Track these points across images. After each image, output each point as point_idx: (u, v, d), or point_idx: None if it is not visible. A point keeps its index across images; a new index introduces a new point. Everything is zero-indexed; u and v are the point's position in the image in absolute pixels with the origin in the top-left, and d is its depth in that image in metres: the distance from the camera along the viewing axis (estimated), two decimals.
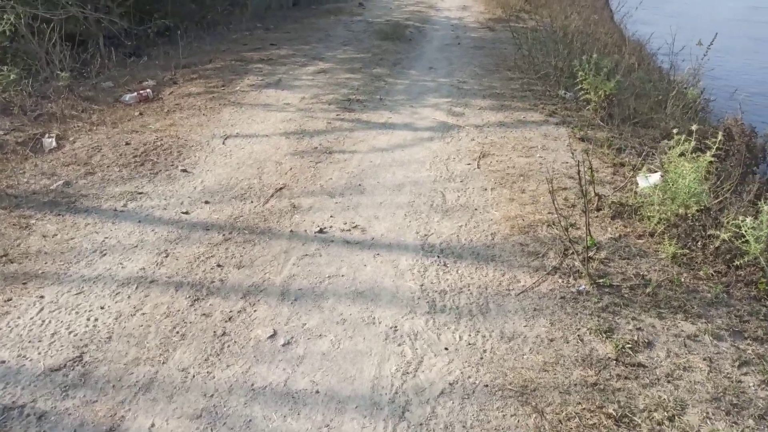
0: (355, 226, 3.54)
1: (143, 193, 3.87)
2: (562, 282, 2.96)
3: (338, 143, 4.79)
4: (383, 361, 2.45)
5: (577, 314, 2.71)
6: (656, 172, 3.81)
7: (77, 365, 2.38)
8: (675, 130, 3.76)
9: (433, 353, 2.49)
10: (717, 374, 2.36)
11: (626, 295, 2.84)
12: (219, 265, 3.11)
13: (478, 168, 4.38)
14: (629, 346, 2.49)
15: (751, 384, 2.33)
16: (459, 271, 3.09)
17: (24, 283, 2.90)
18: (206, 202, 3.78)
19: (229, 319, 2.70)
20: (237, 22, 9.13)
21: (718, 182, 4.13)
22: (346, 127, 5.16)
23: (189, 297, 2.85)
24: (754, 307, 2.82)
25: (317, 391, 2.29)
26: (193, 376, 2.35)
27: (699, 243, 3.20)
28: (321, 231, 3.48)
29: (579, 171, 3.04)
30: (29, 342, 2.50)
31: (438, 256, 3.24)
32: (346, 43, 8.45)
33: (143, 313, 2.71)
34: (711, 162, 3.54)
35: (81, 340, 2.53)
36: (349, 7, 11.52)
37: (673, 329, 2.62)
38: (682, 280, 2.96)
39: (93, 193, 3.84)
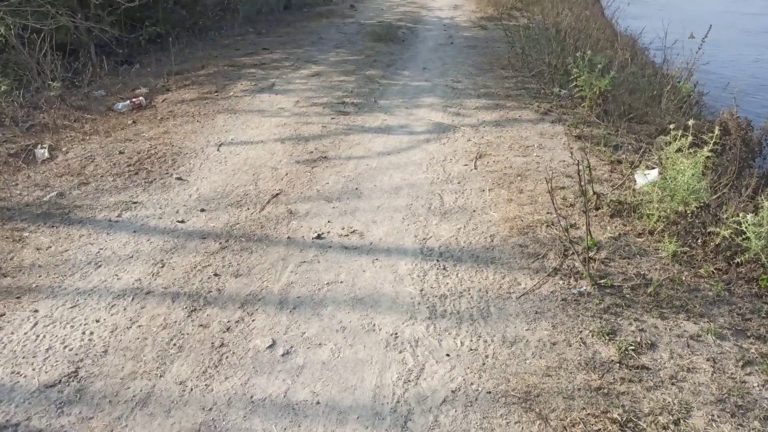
0: (353, 231, 3.50)
1: (138, 202, 3.83)
2: (563, 283, 2.93)
3: (334, 147, 4.76)
4: (384, 369, 2.42)
5: (578, 316, 2.68)
6: (654, 168, 3.78)
7: (72, 381, 2.34)
8: (672, 126, 3.74)
9: (434, 360, 2.46)
10: (721, 375, 2.34)
11: (628, 296, 2.81)
12: (216, 275, 3.08)
13: (475, 169, 4.36)
14: (632, 348, 2.46)
15: (756, 384, 2.30)
16: (459, 275, 3.06)
17: (18, 298, 2.86)
18: (202, 210, 3.74)
19: (227, 329, 2.66)
20: (229, 27, 9.09)
21: (716, 177, 4.11)
22: (341, 130, 5.13)
23: (186, 308, 2.81)
24: (755, 304, 2.80)
25: (318, 402, 2.25)
26: (191, 390, 2.31)
27: (699, 240, 3.18)
28: (319, 237, 3.45)
29: (579, 171, 3.01)
30: (23, 358, 2.46)
31: (437, 260, 3.21)
32: (338, 45, 8.42)
33: (139, 326, 2.68)
34: (708, 157, 3.52)
35: (76, 354, 2.49)
36: (341, 10, 11.47)
37: (676, 329, 2.59)
38: (683, 278, 2.94)
39: (87, 204, 3.80)
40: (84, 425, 2.14)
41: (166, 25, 7.81)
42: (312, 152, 4.64)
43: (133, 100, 5.60)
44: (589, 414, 2.13)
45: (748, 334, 2.58)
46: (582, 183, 3.09)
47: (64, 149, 4.60)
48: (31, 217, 3.61)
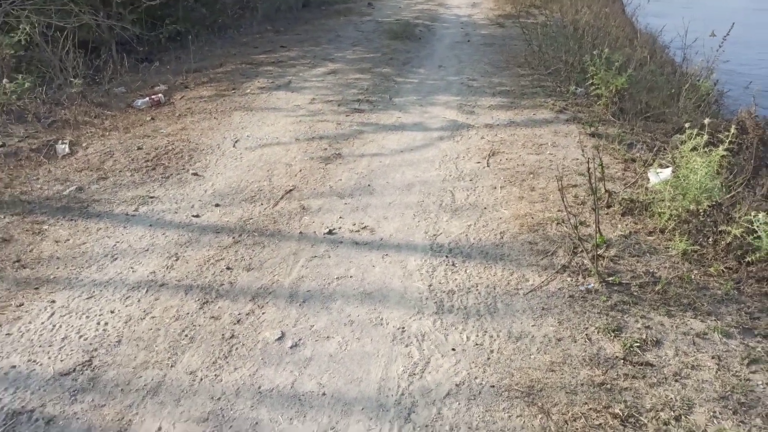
0: (364, 227, 3.54)
1: (154, 197, 3.92)
2: (571, 280, 2.94)
3: (348, 144, 4.80)
4: (390, 362, 2.46)
5: (585, 313, 2.69)
6: (668, 167, 3.76)
7: (86, 369, 2.42)
8: (687, 125, 3.71)
9: (440, 354, 2.49)
10: (725, 372, 2.33)
11: (635, 293, 2.81)
12: (228, 268, 3.14)
13: (488, 166, 4.37)
14: (637, 344, 2.46)
15: (760, 382, 2.29)
16: (467, 271, 3.09)
17: (36, 288, 2.95)
18: (216, 205, 3.81)
19: (238, 321, 2.72)
20: (247, 25, 9.19)
21: (731, 177, 4.07)
22: (355, 127, 5.17)
23: (198, 300, 2.88)
24: (765, 303, 2.78)
25: (324, 393, 2.30)
26: (201, 380, 2.37)
27: (710, 239, 3.16)
28: (330, 232, 3.50)
29: (588, 168, 3.01)
30: (40, 347, 2.55)
31: (446, 256, 3.23)
32: (355, 43, 8.46)
33: (153, 317, 2.75)
34: (723, 156, 3.49)
35: (91, 344, 2.57)
36: (359, 8, 11.52)
37: (682, 327, 2.59)
38: (693, 277, 2.93)
39: (105, 198, 3.90)
40: (96, 412, 2.21)
41: (186, 24, 7.93)
42: (326, 149, 4.69)
43: (152, 97, 5.71)
44: (590, 409, 2.14)
45: (756, 333, 2.57)
46: (591, 180, 3.08)
47: (84, 145, 4.71)
48: (51, 211, 3.71)
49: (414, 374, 2.38)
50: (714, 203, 3.24)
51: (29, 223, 3.55)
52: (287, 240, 3.42)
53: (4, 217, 3.60)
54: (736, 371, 2.36)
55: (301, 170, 4.31)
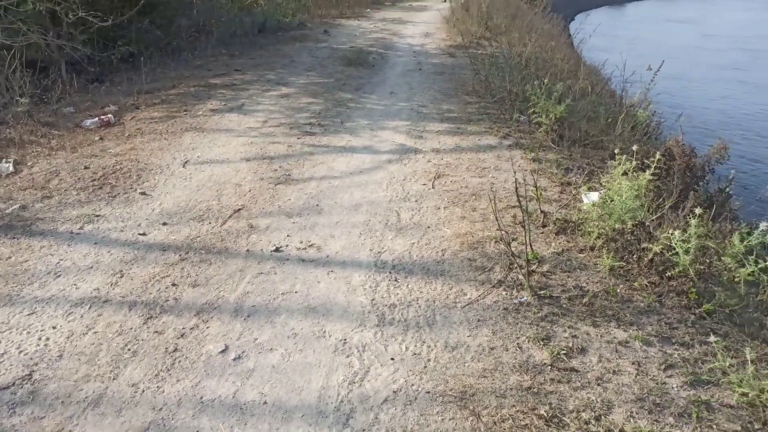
0: (311, 245, 3.64)
1: (100, 215, 3.91)
2: (506, 294, 3.10)
3: (298, 166, 4.91)
4: (331, 372, 2.54)
5: (517, 324, 2.84)
6: (597, 190, 4.01)
7: (26, 383, 2.41)
8: (616, 150, 3.98)
9: (379, 363, 2.59)
10: (644, 377, 2.51)
11: (565, 305, 2.99)
12: (174, 284, 3.17)
13: (433, 188, 4.54)
14: (564, 352, 2.63)
15: (675, 385, 2.48)
16: (409, 286, 3.21)
17: None
18: (164, 224, 3.84)
19: (182, 335, 2.76)
20: (202, 48, 9.25)
21: (660, 199, 4.37)
22: (306, 150, 5.28)
23: (142, 315, 2.90)
24: (683, 315, 3.00)
25: (265, 402, 2.36)
26: (143, 391, 2.40)
27: (634, 256, 3.38)
28: (277, 250, 3.57)
29: (517, 189, 3.21)
30: None
31: (390, 272, 3.35)
32: (310, 68, 8.63)
33: (95, 332, 2.76)
34: (650, 180, 3.76)
35: (31, 359, 2.56)
36: (315, 35, 11.75)
37: (606, 336, 2.77)
38: (618, 290, 3.13)
39: (49, 217, 3.87)
40: (35, 424, 2.21)
41: (139, 45, 7.94)
42: (276, 170, 4.78)
43: (102, 117, 5.69)
44: (518, 411, 2.28)
45: (673, 341, 2.77)
46: (521, 201, 3.28)
47: (29, 164, 4.66)
48: None
49: (354, 383, 2.47)
50: (637, 222, 3.48)
51: None
52: (234, 257, 3.47)
53: None
54: (654, 376, 2.54)
55: (250, 190, 4.38)
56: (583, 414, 2.27)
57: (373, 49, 10.54)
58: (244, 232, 3.76)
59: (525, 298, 3.04)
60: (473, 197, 4.35)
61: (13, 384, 2.41)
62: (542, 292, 3.08)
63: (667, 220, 3.97)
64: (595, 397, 2.37)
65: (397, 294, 3.13)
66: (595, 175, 4.82)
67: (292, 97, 6.98)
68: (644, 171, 3.77)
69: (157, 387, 2.42)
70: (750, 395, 2.43)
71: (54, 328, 2.77)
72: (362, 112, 6.57)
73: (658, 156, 3.86)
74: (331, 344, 2.72)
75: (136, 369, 2.52)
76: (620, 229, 3.51)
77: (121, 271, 3.28)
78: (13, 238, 3.59)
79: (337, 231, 3.82)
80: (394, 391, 2.41)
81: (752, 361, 2.50)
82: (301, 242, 3.66)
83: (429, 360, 2.60)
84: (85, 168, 4.62)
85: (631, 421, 2.26)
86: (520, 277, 3.21)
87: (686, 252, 3.11)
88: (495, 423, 2.22)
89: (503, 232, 3.43)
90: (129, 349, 2.64)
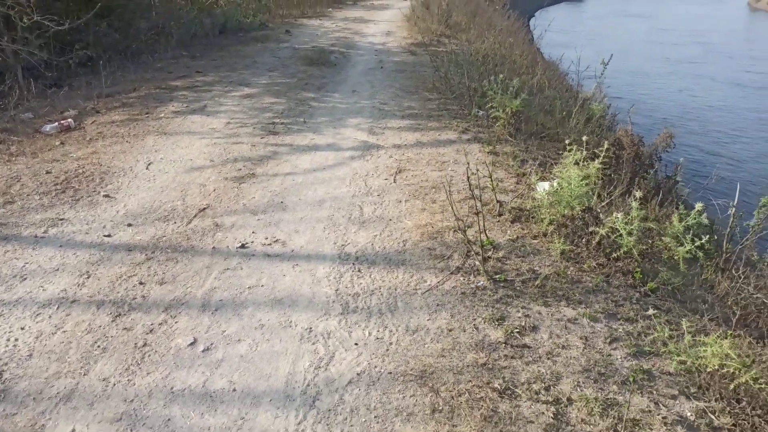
0: (276, 240, 3.73)
1: (64, 219, 3.93)
2: (464, 280, 3.26)
3: (262, 164, 4.98)
4: (297, 358, 2.65)
5: (474, 307, 3.00)
6: (550, 179, 4.21)
7: None
8: (567, 141, 4.18)
9: (344, 348, 2.71)
10: (590, 350, 2.70)
11: (518, 288, 3.16)
12: (141, 283, 3.23)
13: (395, 182, 4.68)
14: (517, 330, 2.80)
15: (619, 357, 2.67)
16: (372, 276, 3.34)
17: None
18: (129, 225, 3.88)
19: (151, 331, 2.83)
20: (162, 50, 9.19)
21: (611, 187, 4.60)
22: (270, 149, 5.36)
23: (110, 314, 2.96)
24: (629, 293, 3.21)
25: (234, 390, 2.46)
26: (114, 385, 2.47)
27: (584, 239, 3.58)
28: (243, 246, 3.66)
29: (468, 179, 3.37)
30: None
31: (353, 264, 3.48)
32: (272, 69, 8.68)
33: (64, 331, 2.81)
34: (599, 168, 3.97)
35: (0, 359, 2.60)
36: (276, 35, 11.77)
37: (557, 314, 2.95)
38: (568, 272, 3.32)
39: (12, 222, 3.87)
40: (8, 420, 2.26)
41: (98, 48, 7.86)
42: (240, 169, 4.85)
43: (62, 122, 5.66)
44: (474, 385, 2.43)
45: (618, 317, 2.97)
46: (473, 190, 3.45)
47: None
48: None
49: (319, 367, 2.59)
50: (586, 208, 3.68)
51: None
52: (200, 255, 3.55)
53: None
54: (600, 349, 2.73)
55: (215, 190, 4.45)
56: (534, 385, 2.44)
57: (335, 49, 10.62)
58: (209, 231, 3.83)
59: (481, 282, 3.20)
60: (433, 190, 4.50)
61: None
62: (497, 276, 3.25)
63: (615, 205, 4.20)
64: (545, 370, 2.54)
65: (361, 283, 3.25)
66: (549, 166, 5.03)
67: (254, 98, 7.03)
68: (594, 160, 3.98)
69: (128, 380, 2.50)
70: (687, 363, 2.63)
71: (22, 329, 2.82)
72: (325, 110, 6.67)
73: (606, 146, 4.08)
74: (297, 333, 2.83)
75: (106, 364, 2.59)
76: (570, 214, 3.70)
77: (88, 272, 3.33)
78: None
79: (302, 226, 3.92)
80: (358, 374, 2.54)
81: (689, 332, 2.71)
82: (267, 238, 3.75)
83: (391, 343, 2.74)
84: (47, 173, 4.61)
85: (578, 389, 2.44)
86: (477, 263, 3.37)
87: (629, 234, 3.32)
88: (452, 397, 2.37)
89: (460, 221, 3.59)
90: (99, 346, 2.71)
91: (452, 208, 3.53)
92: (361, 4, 21.24)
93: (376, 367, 2.58)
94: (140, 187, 4.47)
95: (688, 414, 2.40)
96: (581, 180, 3.69)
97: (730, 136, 14.10)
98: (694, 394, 2.52)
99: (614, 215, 3.37)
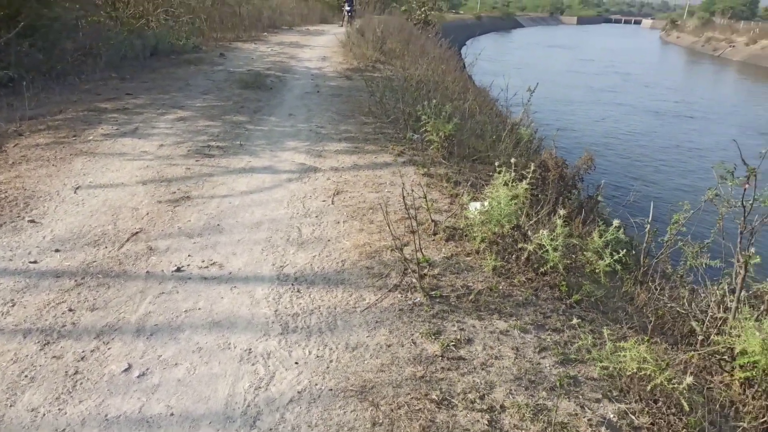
0: (213, 263, 3.70)
1: None
2: (401, 297, 3.34)
3: (197, 188, 4.93)
4: (237, 380, 2.64)
5: (412, 322, 3.09)
6: (481, 200, 4.40)
7: None
8: (497, 163, 4.40)
9: (284, 368, 2.73)
10: (521, 359, 2.84)
11: (454, 303, 3.28)
12: (71, 310, 3.13)
13: (333, 204, 4.74)
14: (453, 344, 2.90)
15: (547, 365, 2.83)
16: (311, 296, 3.37)
17: None
18: (56, 251, 3.75)
19: (82, 358, 2.74)
20: (90, 72, 8.93)
21: (539, 206, 4.85)
22: (205, 172, 5.31)
23: (38, 342, 2.84)
24: (556, 305, 3.39)
25: (172, 414, 2.42)
26: (44, 415, 2.38)
27: (513, 256, 3.77)
28: (178, 270, 3.61)
29: (404, 200, 3.49)
30: None
31: (292, 284, 3.50)
32: (206, 92, 8.61)
33: None
34: (527, 189, 4.19)
35: None
36: (210, 58, 11.69)
37: (490, 327, 3.08)
38: (500, 287, 3.48)
39: None
40: None
41: (20, 69, 7.57)
42: (175, 192, 4.78)
43: None
44: (413, 398, 2.50)
45: (547, 328, 3.14)
46: (408, 210, 3.57)
47: None
48: None
49: (259, 388, 2.59)
50: (514, 226, 3.88)
51: None
52: (134, 279, 3.47)
53: None
54: (530, 358, 2.87)
55: (148, 213, 4.36)
56: (469, 395, 2.54)
57: (270, 72, 10.66)
58: (143, 255, 3.75)
59: (418, 299, 3.30)
60: (370, 211, 4.60)
61: None
62: (434, 292, 3.36)
63: (542, 223, 4.44)
64: (480, 380, 2.65)
65: (300, 304, 3.28)
66: (481, 187, 5.25)
67: (188, 120, 6.95)
68: (522, 181, 4.20)
69: (59, 410, 2.41)
70: (609, 368, 2.82)
71: None
72: (261, 133, 6.68)
73: (533, 168, 4.31)
74: (236, 355, 2.82)
75: (35, 394, 2.49)
76: (500, 232, 3.88)
77: (12, 299, 3.19)
78: None
79: (239, 248, 3.91)
80: (298, 392, 2.56)
81: (610, 339, 2.90)
82: (203, 261, 3.72)
83: (331, 361, 2.77)
84: None
85: (510, 397, 2.56)
86: (414, 280, 3.47)
87: (555, 249, 3.52)
88: (392, 410, 2.43)
89: (397, 240, 3.69)
90: (26, 376, 2.60)
91: (389, 227, 3.63)
92: (296, 29, 21.41)
93: (316, 384, 2.61)
94: (68, 211, 4.32)
95: (611, 416, 2.57)
96: (510, 200, 3.89)
97: (648, 159, 15.13)
98: (616, 397, 2.70)
99: (541, 232, 3.57)
